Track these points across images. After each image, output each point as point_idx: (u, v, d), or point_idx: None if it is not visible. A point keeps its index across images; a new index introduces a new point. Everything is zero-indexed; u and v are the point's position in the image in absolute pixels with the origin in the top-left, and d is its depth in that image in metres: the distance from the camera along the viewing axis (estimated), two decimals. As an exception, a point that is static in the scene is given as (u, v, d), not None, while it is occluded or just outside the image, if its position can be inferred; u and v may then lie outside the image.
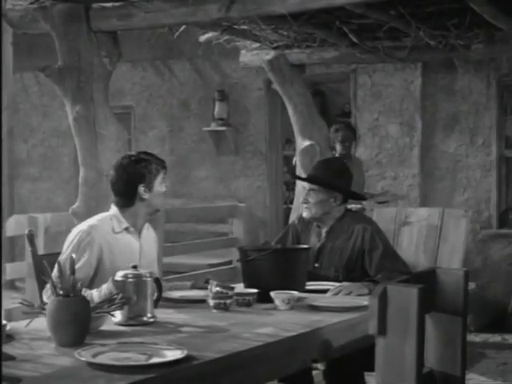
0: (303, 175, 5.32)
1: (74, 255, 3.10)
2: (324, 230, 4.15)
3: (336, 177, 4.13)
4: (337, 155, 6.92)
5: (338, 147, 6.98)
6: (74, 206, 5.29)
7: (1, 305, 2.84)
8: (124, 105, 9.42)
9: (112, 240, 3.60)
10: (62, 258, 3.45)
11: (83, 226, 3.62)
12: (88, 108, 5.34)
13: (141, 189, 3.64)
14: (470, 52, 6.75)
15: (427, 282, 2.73)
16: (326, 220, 4.13)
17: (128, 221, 3.68)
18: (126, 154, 3.84)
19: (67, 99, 5.36)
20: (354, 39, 6.55)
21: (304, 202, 4.16)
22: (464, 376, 2.85)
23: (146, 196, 3.65)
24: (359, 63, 7.87)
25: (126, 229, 3.68)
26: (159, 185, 3.67)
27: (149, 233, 3.84)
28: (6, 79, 7.02)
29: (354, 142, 7.53)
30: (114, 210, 3.71)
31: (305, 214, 4.15)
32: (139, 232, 3.74)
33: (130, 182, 3.64)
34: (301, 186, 5.99)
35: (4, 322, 2.63)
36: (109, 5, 5.41)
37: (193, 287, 3.85)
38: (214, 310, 3.30)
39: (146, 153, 3.80)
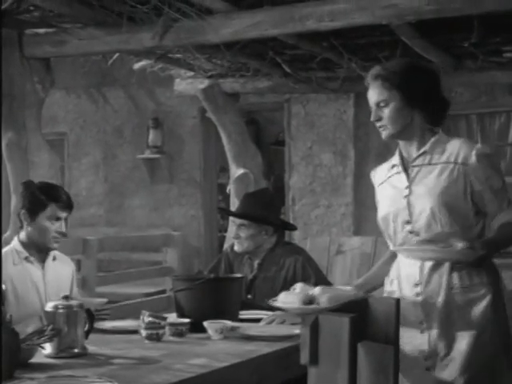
0: (236, 204, 5.31)
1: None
2: (256, 262, 4.16)
3: (265, 209, 4.14)
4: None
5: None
6: (5, 235, 5.20)
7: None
8: (57, 131, 9.32)
9: (13, 272, 3.53)
10: None
11: None
12: (20, 135, 5.30)
13: (22, 214, 3.57)
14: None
15: (359, 310, 2.75)
16: (258, 252, 4.15)
17: (27, 250, 3.61)
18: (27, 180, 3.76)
19: (-1, 125, 5.30)
20: (287, 69, 6.61)
21: (236, 237, 4.16)
22: (396, 404, 2.86)
23: (25, 223, 3.57)
24: (293, 93, 7.92)
25: (26, 258, 3.61)
26: (44, 219, 3.55)
27: (60, 265, 3.76)
28: None
29: None
30: (14, 240, 3.64)
31: (237, 249, 4.16)
32: (43, 261, 3.67)
33: (18, 206, 3.61)
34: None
35: None
36: (42, 31, 5.38)
37: None
38: (147, 341, 3.27)
39: (48, 184, 3.71)
